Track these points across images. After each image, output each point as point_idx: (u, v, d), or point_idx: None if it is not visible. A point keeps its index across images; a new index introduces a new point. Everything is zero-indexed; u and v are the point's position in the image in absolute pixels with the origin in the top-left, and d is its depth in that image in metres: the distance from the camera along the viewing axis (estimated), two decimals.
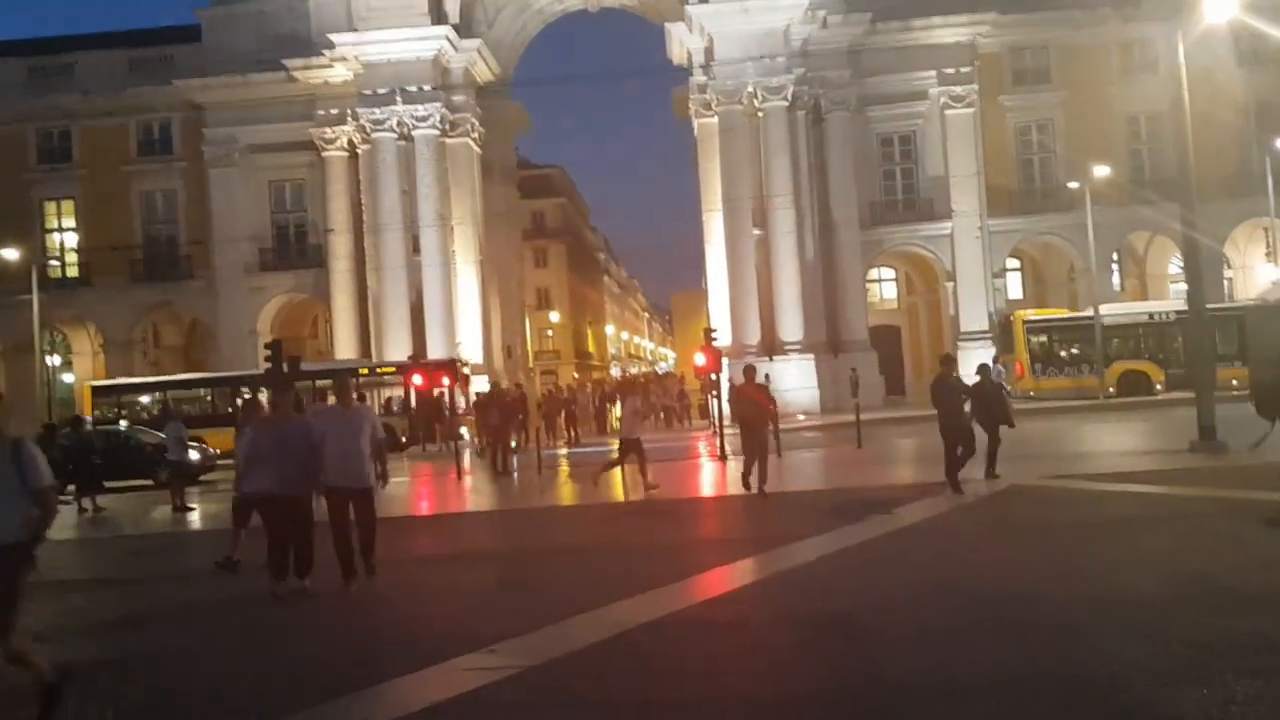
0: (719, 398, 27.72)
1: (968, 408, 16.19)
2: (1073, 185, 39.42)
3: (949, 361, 17.00)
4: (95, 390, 41.60)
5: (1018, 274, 48.23)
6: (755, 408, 17.33)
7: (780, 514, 15.39)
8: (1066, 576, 9.66)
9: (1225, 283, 44.47)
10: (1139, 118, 44.44)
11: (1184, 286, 47.71)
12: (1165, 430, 24.36)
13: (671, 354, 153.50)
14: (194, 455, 29.27)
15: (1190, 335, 29.20)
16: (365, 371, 39.20)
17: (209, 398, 40.58)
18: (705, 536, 14.20)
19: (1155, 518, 12.63)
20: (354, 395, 13.14)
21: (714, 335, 33.96)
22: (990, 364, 17.78)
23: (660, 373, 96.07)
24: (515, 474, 24.68)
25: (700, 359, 33.93)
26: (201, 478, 29.58)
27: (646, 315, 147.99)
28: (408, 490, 23.69)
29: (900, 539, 12.29)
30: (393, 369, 39.24)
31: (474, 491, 22.32)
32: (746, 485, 16.83)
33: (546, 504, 19.06)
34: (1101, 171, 38.34)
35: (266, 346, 25.41)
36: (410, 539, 15.40)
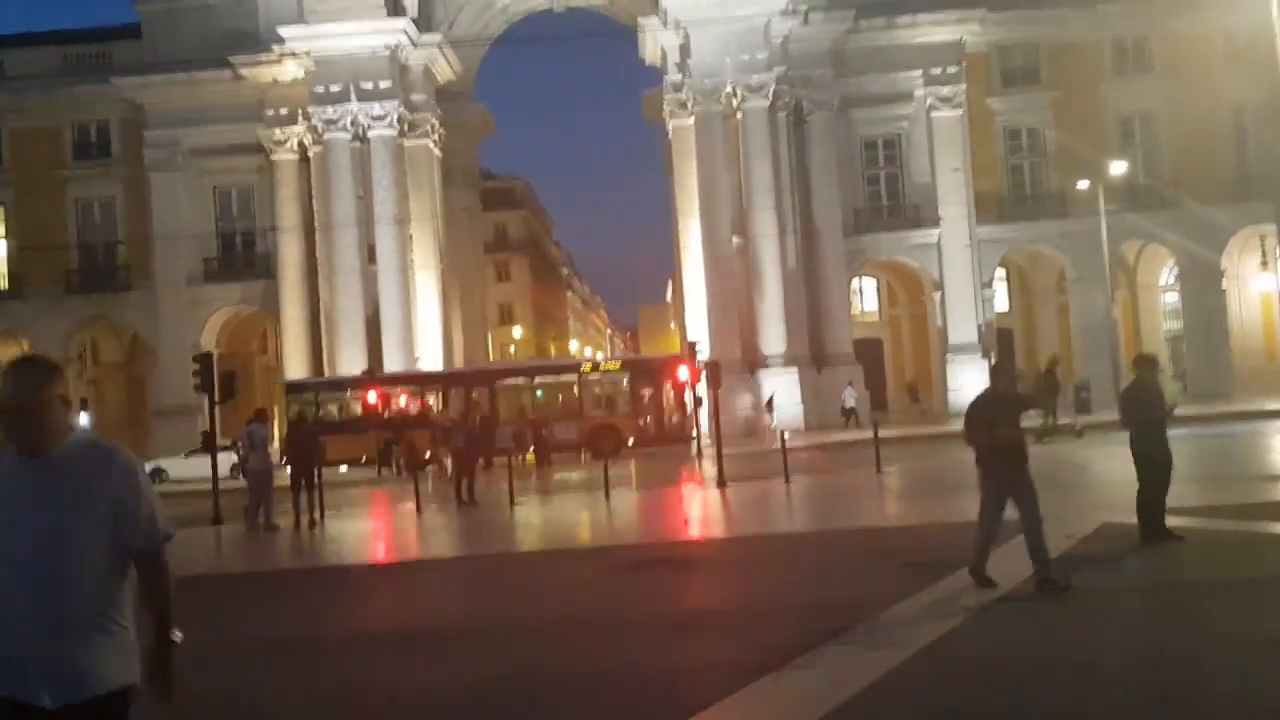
0: (714, 415, 24.08)
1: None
2: (1082, 185, 36.39)
3: (1149, 363, 12.00)
4: (288, 388, 37.60)
5: (1004, 284, 45.18)
6: None
7: (835, 565, 11.89)
8: None
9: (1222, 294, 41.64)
10: (1133, 119, 41.64)
11: (1177, 297, 45.48)
12: None
13: None
14: None
15: None
16: (589, 368, 36.29)
17: (422, 395, 36.55)
18: (745, 603, 10.62)
19: None
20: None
21: (697, 347, 30.63)
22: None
23: None
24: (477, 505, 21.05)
25: (684, 373, 30.57)
26: None
27: (609, 332, 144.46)
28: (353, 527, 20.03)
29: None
30: (618, 365, 35.56)
31: (436, 530, 18.61)
32: None
33: (524, 547, 15.41)
34: (1118, 168, 35.35)
35: (195, 360, 21.64)
36: (356, 602, 11.77)
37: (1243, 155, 41.23)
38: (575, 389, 35.34)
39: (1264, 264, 42.58)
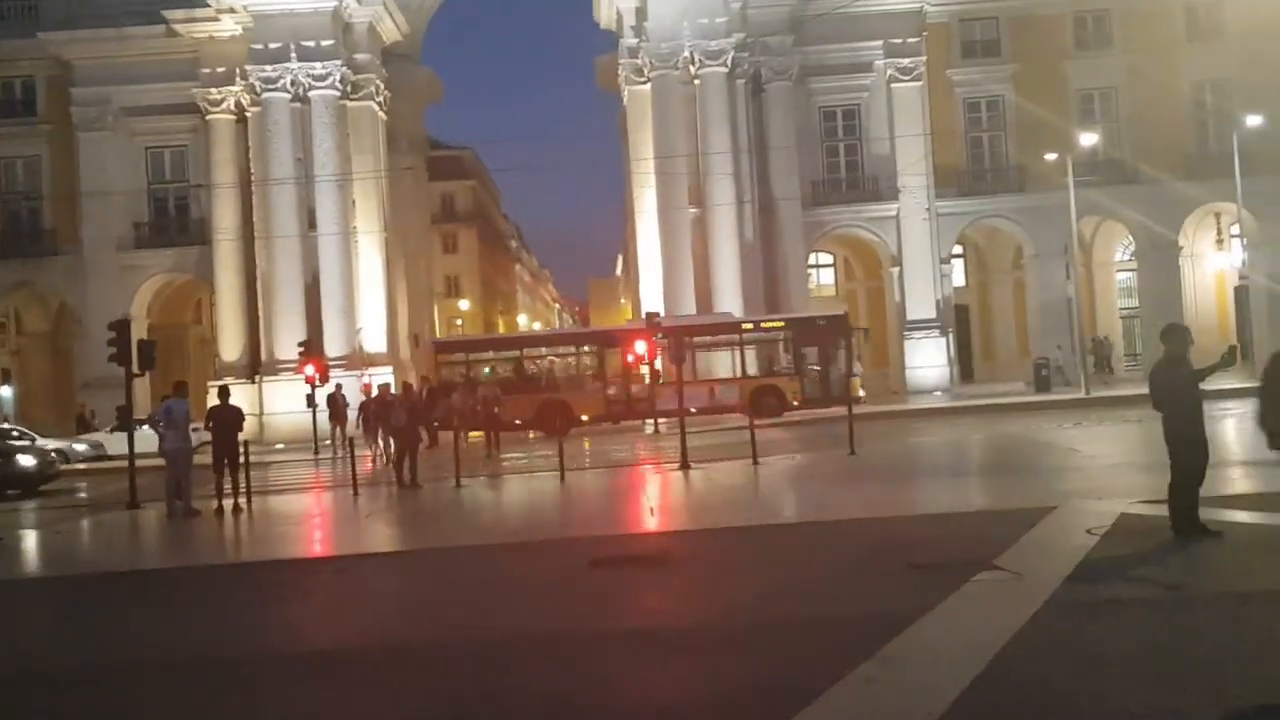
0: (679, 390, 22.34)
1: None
2: (1050, 157, 35.12)
3: (1180, 335, 10.24)
4: (438, 347, 35.30)
5: (960, 261, 43.90)
6: None
7: (835, 562, 10.26)
8: None
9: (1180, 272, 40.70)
10: (1093, 94, 40.40)
11: (1131, 275, 44.56)
12: None
13: None
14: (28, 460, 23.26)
15: None
16: (749, 326, 33.90)
17: (575, 355, 34.50)
18: (732, 615, 8.92)
19: None
20: None
21: (658, 319, 28.89)
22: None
23: None
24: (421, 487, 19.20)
25: (641, 346, 28.86)
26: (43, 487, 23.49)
27: (558, 306, 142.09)
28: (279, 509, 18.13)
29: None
30: (780, 323, 33.78)
31: (372, 517, 16.73)
32: None
33: (476, 539, 13.59)
34: (1088, 139, 34.13)
35: (111, 327, 19.48)
36: (273, 608, 9.94)
37: (1202, 132, 40.31)
38: (736, 348, 33.27)
39: (1219, 242, 41.74)
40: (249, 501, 17.97)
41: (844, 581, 9.29)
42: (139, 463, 18.96)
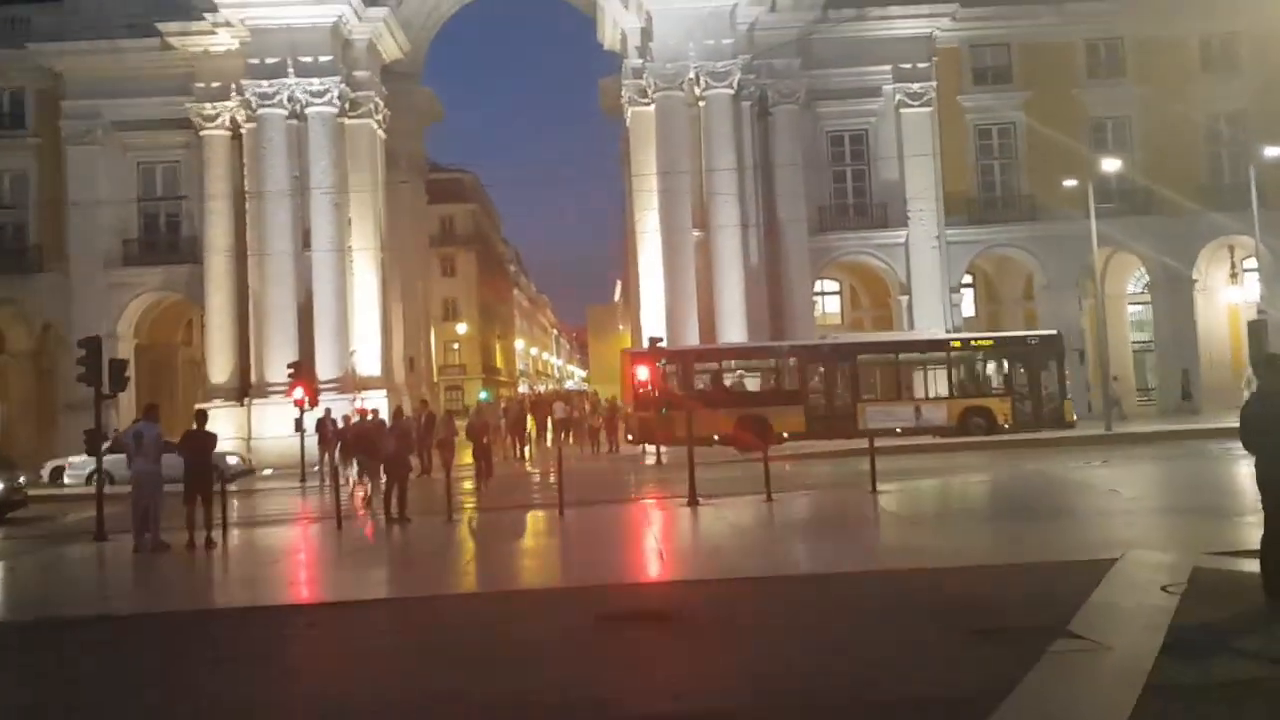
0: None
1: None
2: (1069, 183, 33.96)
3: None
4: (633, 358, 32.24)
5: (970, 290, 42.59)
6: None
7: (881, 624, 8.87)
8: None
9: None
10: (1105, 123, 39.29)
11: (1142, 308, 43.37)
12: None
13: (580, 371, 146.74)
14: None
15: None
16: (958, 344, 32.56)
17: (775, 369, 32.48)
18: (768, 695, 7.51)
19: None
20: None
21: (661, 344, 27.59)
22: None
23: (569, 390, 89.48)
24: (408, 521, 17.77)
25: (643, 372, 27.53)
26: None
27: (555, 332, 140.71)
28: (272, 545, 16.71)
29: None
30: (990, 341, 32.35)
31: (358, 555, 15.29)
32: None
33: (467, 585, 12.16)
34: (1112, 165, 32.97)
35: (81, 345, 18.14)
36: (240, 669, 8.53)
37: (1216, 164, 39.19)
38: (944, 367, 32.01)
39: (1233, 275, 40.51)
40: (224, 534, 16.57)
41: (896, 650, 7.90)
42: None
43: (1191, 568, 9.96)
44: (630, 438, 31.33)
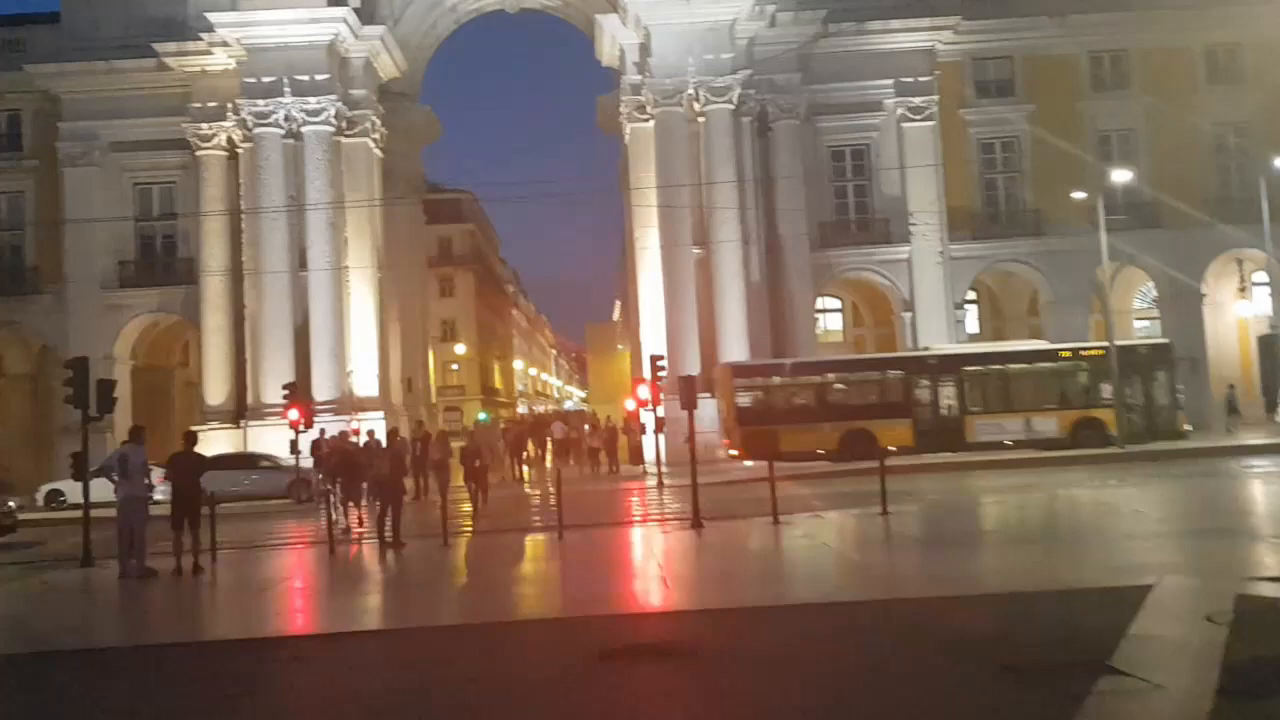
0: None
1: None
2: (1078, 196, 33.49)
3: None
4: (734, 371, 32.31)
5: (974, 307, 42.03)
6: None
7: (902, 659, 8.23)
8: None
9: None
10: (1110, 136, 38.85)
11: (1148, 323, 42.77)
12: None
13: (579, 392, 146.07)
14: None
15: None
16: (1067, 354, 31.83)
17: (879, 381, 31.75)
18: None
19: None
20: None
21: (661, 364, 27.01)
22: None
23: (567, 410, 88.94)
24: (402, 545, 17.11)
25: (645, 393, 26.93)
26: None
27: (554, 352, 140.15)
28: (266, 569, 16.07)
29: None
30: (1100, 350, 31.23)
31: (352, 582, 14.66)
32: None
33: (463, 616, 11.51)
34: (1122, 176, 32.49)
35: (67, 365, 17.56)
36: (216, 710, 7.90)
37: (1224, 176, 38.69)
38: (1052, 377, 31.42)
39: (1241, 289, 39.98)
40: (213, 560, 15.95)
41: (923, 690, 7.28)
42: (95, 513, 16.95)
43: (1234, 594, 9.35)
44: (734, 453, 30.77)
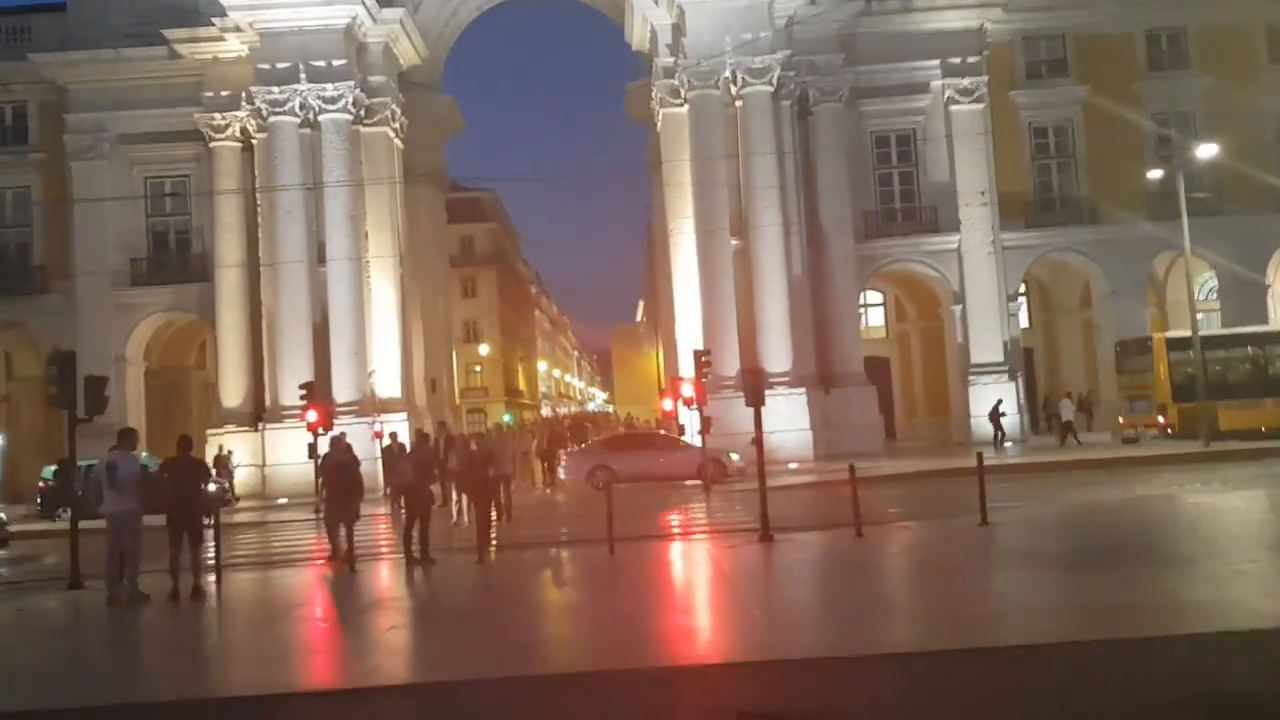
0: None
1: None
2: (1154, 175, 31.08)
3: None
4: (1170, 344, 30.76)
5: (1024, 299, 39.58)
6: None
7: None
8: None
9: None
10: (1168, 119, 36.32)
11: (1207, 316, 40.24)
12: None
13: (600, 394, 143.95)
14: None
15: None
16: None
17: None
18: None
19: None
20: None
21: (707, 361, 24.75)
22: None
23: (593, 412, 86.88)
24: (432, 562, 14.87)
25: (689, 391, 24.69)
26: None
27: (576, 354, 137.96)
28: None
29: None
30: None
31: (368, 613, 12.40)
32: None
33: (509, 664, 9.09)
34: (1208, 151, 30.11)
35: (51, 361, 15.48)
36: None
37: None
38: None
39: None
40: (219, 582, 13.81)
41: None
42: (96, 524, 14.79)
43: None
44: (1170, 431, 29.22)
